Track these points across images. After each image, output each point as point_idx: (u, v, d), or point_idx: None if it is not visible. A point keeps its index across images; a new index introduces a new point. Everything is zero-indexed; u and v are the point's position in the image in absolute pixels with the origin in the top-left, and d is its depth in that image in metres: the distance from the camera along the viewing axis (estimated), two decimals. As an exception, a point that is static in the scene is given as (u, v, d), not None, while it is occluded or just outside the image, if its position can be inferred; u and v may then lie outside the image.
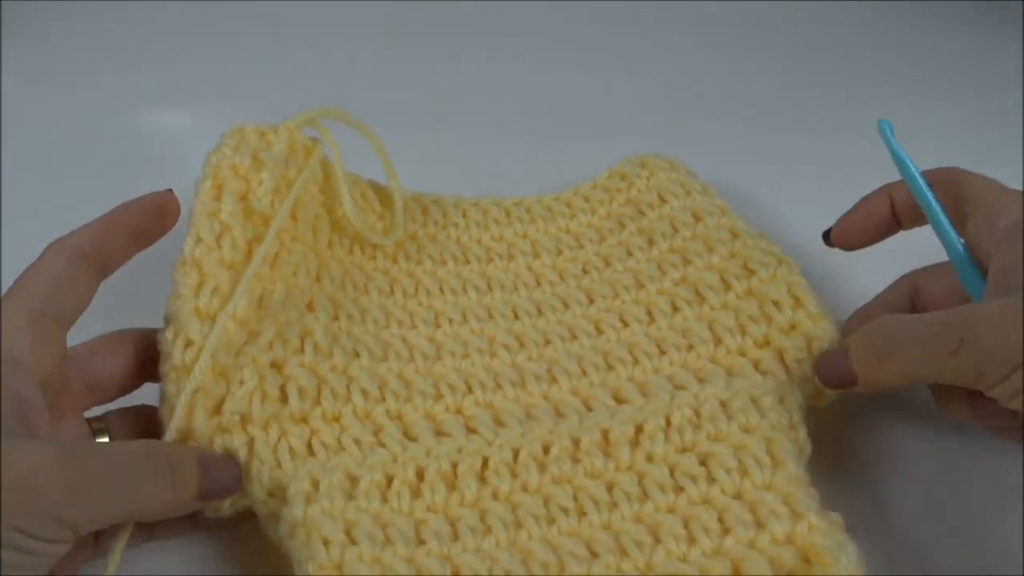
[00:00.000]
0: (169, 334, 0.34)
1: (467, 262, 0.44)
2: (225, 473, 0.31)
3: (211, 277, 0.35)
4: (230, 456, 0.32)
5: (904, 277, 0.41)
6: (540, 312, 0.42)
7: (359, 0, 0.65)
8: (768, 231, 0.42)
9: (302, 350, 0.36)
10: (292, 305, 0.37)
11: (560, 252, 0.45)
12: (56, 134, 0.53)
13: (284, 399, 0.34)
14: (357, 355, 0.37)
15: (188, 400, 0.33)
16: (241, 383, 0.34)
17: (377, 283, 0.41)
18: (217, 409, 0.33)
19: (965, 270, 0.37)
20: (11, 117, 0.54)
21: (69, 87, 0.58)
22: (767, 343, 0.38)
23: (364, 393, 0.36)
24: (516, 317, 0.41)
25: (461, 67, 0.62)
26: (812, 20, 0.66)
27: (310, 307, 0.38)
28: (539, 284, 0.43)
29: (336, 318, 0.39)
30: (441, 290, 0.42)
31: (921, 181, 0.38)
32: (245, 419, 0.33)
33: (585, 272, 0.44)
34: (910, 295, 0.40)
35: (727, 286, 0.40)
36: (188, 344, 0.33)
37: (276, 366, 0.35)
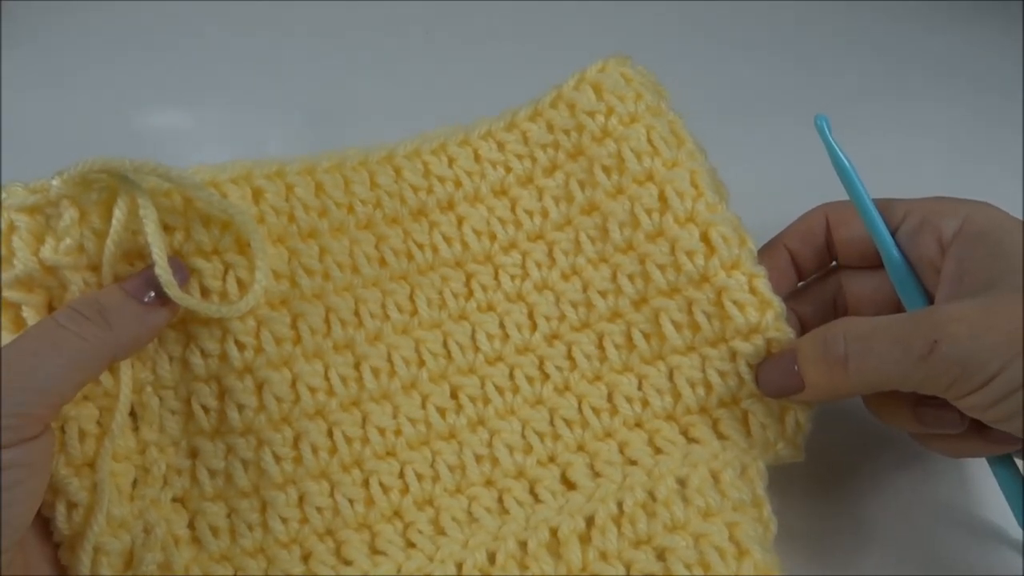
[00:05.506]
0: (47, 495, 0.29)
1: (383, 263, 0.36)
2: None
3: (70, 418, 0.30)
4: None
5: (818, 208, 0.39)
6: (474, 343, 0.36)
7: (358, 0, 0.65)
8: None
9: (197, 479, 0.32)
10: (171, 423, 0.33)
11: (493, 236, 0.38)
12: (55, 134, 0.53)
13: (197, 538, 0.32)
14: (262, 471, 0.32)
15: (89, 560, 0.29)
16: (146, 531, 0.30)
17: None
18: (128, 564, 0.30)
19: (898, 272, 0.35)
20: (11, 117, 0.54)
21: (68, 87, 0.58)
22: (734, 403, 0.35)
23: (283, 521, 0.32)
24: (448, 354, 0.36)
25: (461, 68, 0.62)
26: (811, 19, 0.66)
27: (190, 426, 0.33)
28: (471, 292, 0.37)
29: (219, 432, 0.33)
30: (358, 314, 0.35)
31: (857, 180, 0.36)
32: (164, 568, 0.30)
33: (525, 273, 0.38)
34: (824, 229, 0.38)
35: (696, 326, 0.35)
36: (72, 507, 0.30)
37: (179, 500, 0.32)
